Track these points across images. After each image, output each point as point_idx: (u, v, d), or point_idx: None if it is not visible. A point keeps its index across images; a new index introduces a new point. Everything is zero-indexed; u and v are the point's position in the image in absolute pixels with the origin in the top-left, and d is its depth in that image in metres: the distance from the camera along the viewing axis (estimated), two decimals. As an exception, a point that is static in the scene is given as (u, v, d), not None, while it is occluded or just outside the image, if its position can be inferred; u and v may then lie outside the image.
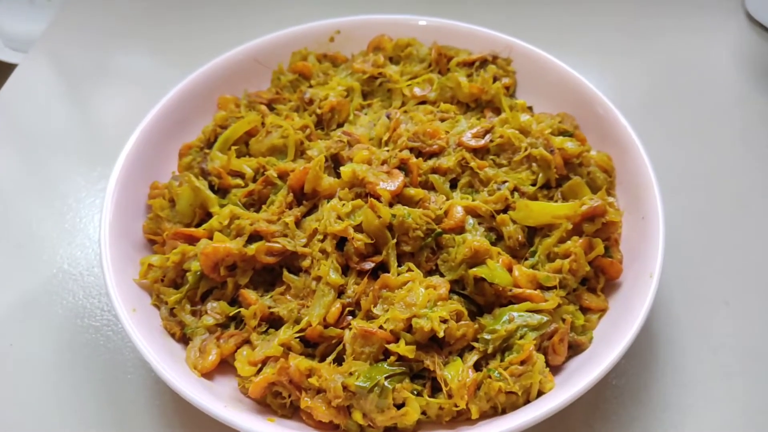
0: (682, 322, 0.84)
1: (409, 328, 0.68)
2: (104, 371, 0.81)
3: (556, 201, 0.81)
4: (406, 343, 0.67)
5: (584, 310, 0.76)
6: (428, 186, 0.81)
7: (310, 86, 0.99)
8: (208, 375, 0.72)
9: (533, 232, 0.78)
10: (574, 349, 0.73)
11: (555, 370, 0.72)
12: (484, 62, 0.98)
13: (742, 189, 1.01)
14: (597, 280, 0.77)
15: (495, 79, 0.95)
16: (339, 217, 0.75)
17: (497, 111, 0.93)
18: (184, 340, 0.75)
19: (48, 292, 0.89)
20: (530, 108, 0.97)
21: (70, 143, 1.13)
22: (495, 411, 0.67)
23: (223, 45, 1.02)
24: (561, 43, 1.25)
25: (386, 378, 0.65)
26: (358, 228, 0.75)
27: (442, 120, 0.88)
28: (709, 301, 0.87)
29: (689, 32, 1.28)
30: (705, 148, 1.07)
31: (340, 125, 0.94)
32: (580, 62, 1.21)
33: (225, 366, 0.73)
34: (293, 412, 0.70)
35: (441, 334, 0.67)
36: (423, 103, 0.95)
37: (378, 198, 0.76)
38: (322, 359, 0.71)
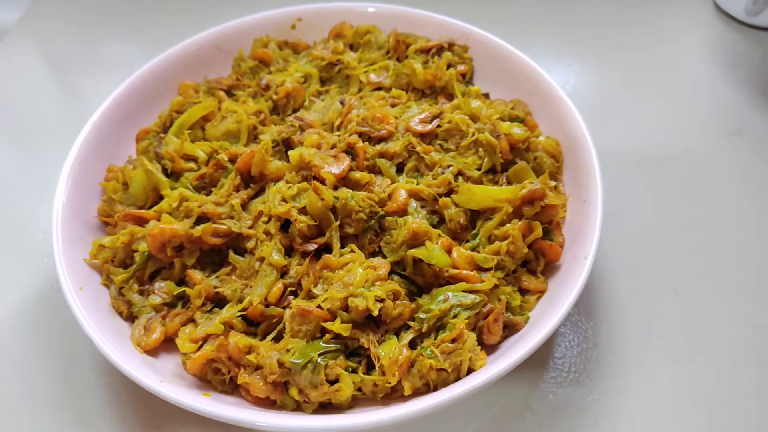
0: (627, 307, 0.85)
1: (346, 308, 0.70)
2: (59, 351, 0.83)
3: (501, 185, 0.82)
4: (342, 322, 0.69)
5: (523, 291, 0.77)
6: (375, 170, 0.82)
7: (270, 73, 1.00)
8: (152, 352, 0.73)
9: (476, 216, 0.80)
10: (511, 329, 0.74)
11: (491, 349, 0.73)
12: (440, 49, 0.99)
13: (701, 179, 1.01)
14: (537, 263, 0.79)
15: (449, 66, 0.96)
16: (284, 200, 0.77)
17: (451, 97, 0.94)
18: (132, 318, 0.77)
19: (6, 273, 0.91)
20: (486, 95, 0.98)
21: (46, 130, 1.15)
22: (428, 388, 0.69)
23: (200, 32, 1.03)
24: (529, 33, 1.26)
25: (320, 355, 0.67)
26: (303, 210, 0.76)
27: (393, 105, 0.89)
28: (658, 288, 0.88)
29: (657, 22, 1.29)
30: (668, 136, 1.08)
31: (295, 110, 0.95)
32: (547, 52, 1.24)
33: (171, 344, 0.75)
34: (233, 388, 0.71)
35: (375, 313, 0.69)
36: (379, 89, 0.97)
37: (323, 181, 0.77)
38: (264, 338, 0.73)
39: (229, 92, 0.97)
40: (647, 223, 0.95)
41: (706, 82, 1.17)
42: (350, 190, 0.77)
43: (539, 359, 0.80)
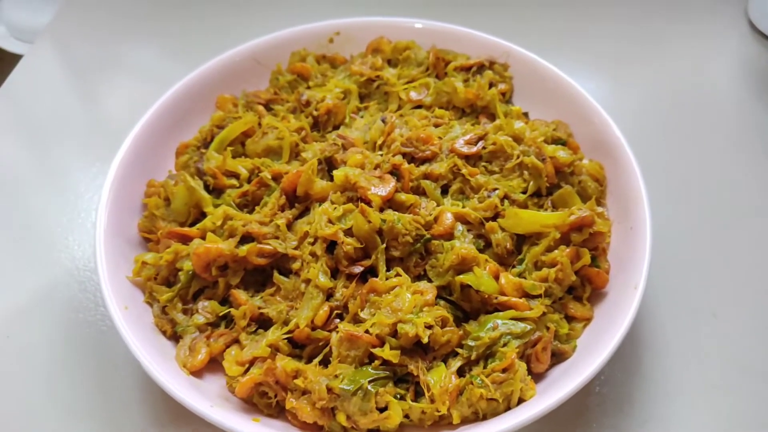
0: (668, 333, 0.85)
1: (394, 333, 0.69)
2: (97, 366, 0.82)
3: (546, 209, 0.82)
4: (391, 348, 0.69)
5: (569, 318, 0.77)
6: (420, 191, 0.82)
7: (308, 87, 1.00)
8: (197, 373, 0.73)
9: (522, 240, 0.79)
10: (558, 357, 0.73)
11: (538, 377, 0.73)
12: (481, 67, 0.98)
13: (737, 200, 1.01)
14: (583, 290, 0.78)
15: (491, 85, 0.95)
16: (330, 221, 0.76)
17: (492, 117, 0.94)
18: (175, 338, 0.76)
19: (44, 287, 0.91)
20: (526, 114, 0.97)
21: (73, 136, 1.14)
22: (476, 417, 0.68)
23: (229, 41, 1.03)
24: (561, 48, 1.25)
25: (370, 382, 0.67)
26: (349, 232, 0.76)
27: (436, 125, 0.89)
28: (697, 313, 0.87)
29: (691, 40, 1.28)
30: (702, 157, 1.07)
31: (336, 127, 0.95)
32: (579, 68, 1.23)
33: (215, 364, 0.75)
34: (279, 411, 0.71)
35: (425, 340, 0.68)
36: (419, 107, 0.96)
37: (369, 203, 0.77)
38: (309, 361, 0.72)
39: (268, 106, 0.97)
40: (684, 246, 0.95)
41: (740, 102, 1.16)
42: (397, 213, 0.76)
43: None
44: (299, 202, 0.81)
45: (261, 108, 0.95)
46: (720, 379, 0.81)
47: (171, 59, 1.30)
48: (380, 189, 0.78)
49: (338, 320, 0.73)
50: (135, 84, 1.25)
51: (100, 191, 0.87)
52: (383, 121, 0.90)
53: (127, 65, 1.29)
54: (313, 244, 0.76)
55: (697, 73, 1.22)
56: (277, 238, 0.78)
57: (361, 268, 0.75)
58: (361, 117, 0.95)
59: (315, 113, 0.93)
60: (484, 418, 0.68)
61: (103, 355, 0.83)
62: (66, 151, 1.12)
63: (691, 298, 0.89)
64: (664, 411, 0.78)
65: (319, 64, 1.03)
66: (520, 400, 0.68)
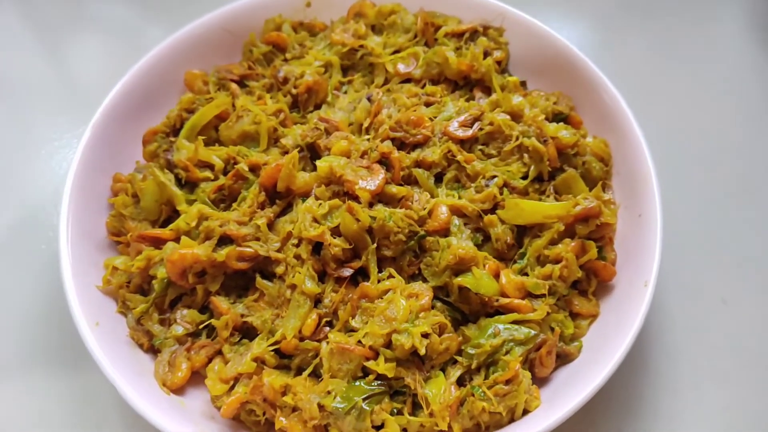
0: (677, 323, 0.81)
1: (389, 344, 0.64)
2: (69, 373, 0.78)
3: (548, 195, 0.76)
4: (386, 360, 0.64)
5: (574, 315, 0.72)
6: (411, 180, 0.75)
7: (285, 60, 0.91)
8: (178, 389, 0.68)
9: (523, 231, 0.74)
10: (563, 359, 0.69)
11: (542, 381, 0.69)
12: (474, 33, 0.90)
13: (751, 180, 0.94)
14: (589, 283, 0.73)
15: (486, 54, 0.87)
16: (315, 220, 0.70)
17: (488, 90, 0.86)
18: (153, 350, 0.71)
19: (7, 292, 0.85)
20: (523, 83, 0.89)
21: (40, 100, 1.06)
22: (478, 428, 0.65)
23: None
24: (559, 8, 1.15)
25: (364, 399, 0.62)
26: (336, 231, 0.69)
27: (428, 104, 0.81)
28: (707, 299, 0.83)
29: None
30: (713, 133, 0.99)
31: (317, 106, 0.87)
32: (581, 30, 1.13)
33: (197, 376, 0.70)
34: (268, 428, 0.67)
35: (422, 352, 0.63)
36: (408, 80, 0.88)
37: (357, 199, 0.70)
38: (298, 373, 0.68)
39: (242, 83, 0.88)
40: (689, 229, 0.89)
41: (754, 67, 1.07)
42: (387, 209, 0.70)
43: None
44: (280, 198, 0.74)
45: (234, 86, 0.86)
46: (730, 371, 0.78)
47: (141, 16, 1.19)
48: (369, 182, 0.71)
49: (328, 328, 0.68)
50: (103, 41, 1.16)
51: (69, 167, 0.79)
52: (369, 99, 0.82)
53: (95, 22, 1.18)
54: (297, 245, 0.70)
55: (706, 35, 1.12)
56: (257, 239, 0.71)
57: (351, 271, 0.69)
58: (345, 93, 0.87)
59: (294, 91, 0.85)
60: (487, 429, 0.64)
61: (74, 360, 0.78)
62: (33, 117, 1.04)
63: (700, 283, 0.85)
64: (673, 406, 0.75)
65: (296, 32, 0.93)
66: (525, 411, 0.64)
